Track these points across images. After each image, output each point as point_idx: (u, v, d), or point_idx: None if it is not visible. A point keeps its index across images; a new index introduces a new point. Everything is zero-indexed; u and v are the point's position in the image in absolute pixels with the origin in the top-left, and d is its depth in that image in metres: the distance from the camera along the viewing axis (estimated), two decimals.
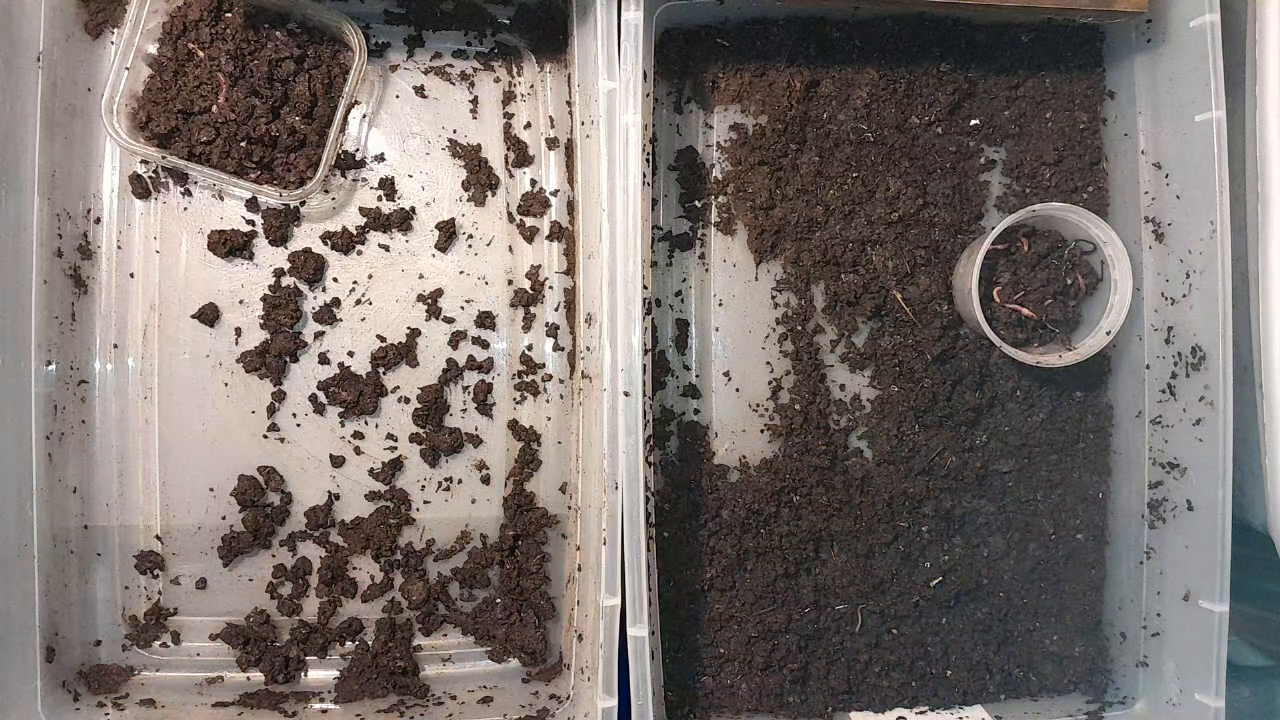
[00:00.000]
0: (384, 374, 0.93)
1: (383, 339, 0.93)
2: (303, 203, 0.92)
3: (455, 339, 0.94)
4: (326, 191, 0.93)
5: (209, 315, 0.91)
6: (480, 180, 0.95)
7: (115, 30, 0.89)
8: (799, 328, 0.94)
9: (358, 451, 0.93)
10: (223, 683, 0.91)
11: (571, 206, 0.94)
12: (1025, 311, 0.92)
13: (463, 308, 0.95)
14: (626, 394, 0.79)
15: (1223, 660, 0.83)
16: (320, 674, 0.92)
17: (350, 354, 0.93)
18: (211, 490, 0.92)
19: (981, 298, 0.89)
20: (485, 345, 0.95)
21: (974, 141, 0.97)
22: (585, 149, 0.88)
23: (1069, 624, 0.97)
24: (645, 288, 0.81)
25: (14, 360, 0.83)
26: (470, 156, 0.94)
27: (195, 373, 0.91)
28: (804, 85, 0.93)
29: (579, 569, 0.88)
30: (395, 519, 0.93)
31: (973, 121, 0.97)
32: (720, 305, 0.96)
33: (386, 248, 0.94)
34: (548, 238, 0.96)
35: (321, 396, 0.92)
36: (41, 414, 0.85)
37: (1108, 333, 0.90)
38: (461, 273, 0.95)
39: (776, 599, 0.94)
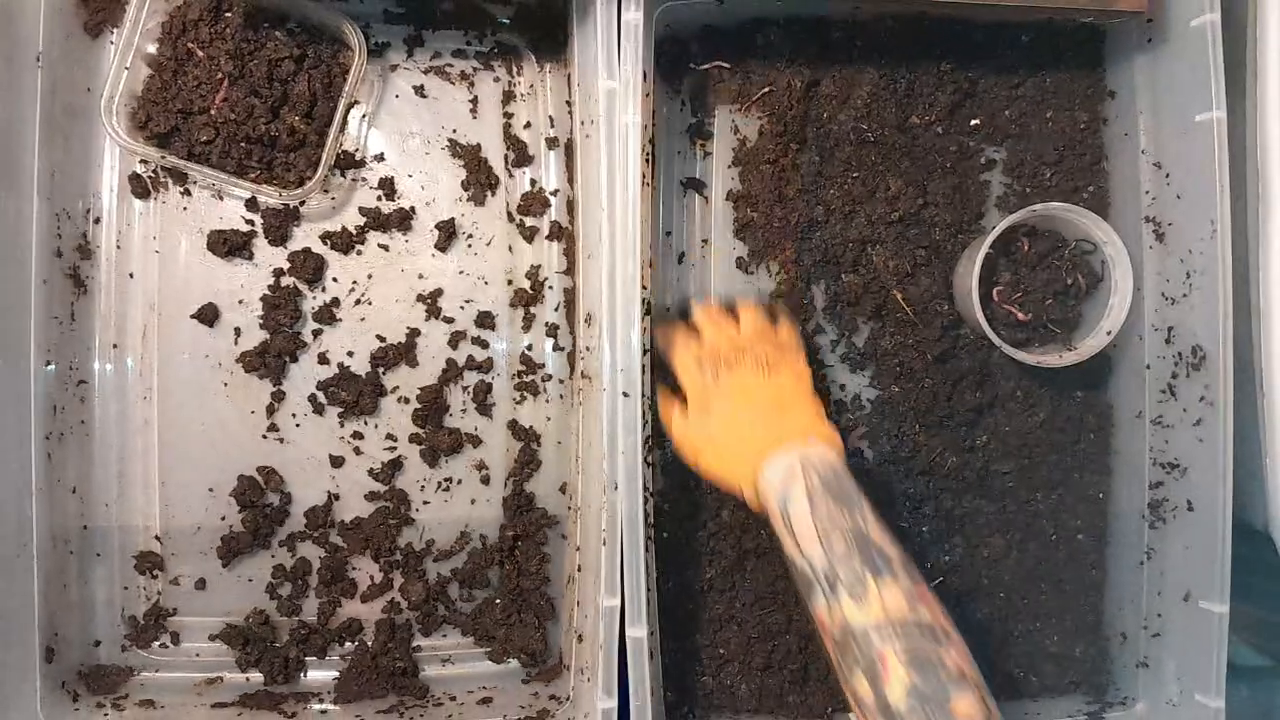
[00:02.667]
0: (383, 374, 0.93)
1: (382, 339, 0.93)
2: (302, 202, 0.92)
3: (455, 339, 0.94)
4: (326, 191, 0.93)
5: (208, 315, 0.91)
6: (480, 180, 0.94)
7: (115, 30, 0.89)
8: (799, 328, 0.94)
9: (357, 452, 0.93)
10: (222, 683, 0.91)
11: (571, 206, 0.94)
12: (1019, 315, 0.92)
13: (462, 308, 0.95)
14: (626, 395, 0.79)
15: (1223, 661, 0.83)
16: (320, 674, 0.92)
17: (350, 354, 0.93)
18: (211, 490, 0.91)
19: (982, 298, 0.89)
20: (485, 345, 0.95)
21: (974, 141, 0.97)
22: (585, 149, 0.88)
23: (1069, 624, 0.97)
24: (645, 288, 0.81)
25: (13, 360, 0.83)
26: (470, 156, 0.94)
27: (195, 373, 0.91)
28: (804, 85, 0.92)
29: (579, 569, 0.88)
30: (395, 519, 0.93)
31: (973, 121, 0.97)
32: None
33: (386, 247, 0.94)
34: (547, 238, 0.96)
35: (321, 396, 0.92)
36: (41, 414, 0.84)
37: (1108, 333, 0.90)
38: (461, 273, 0.95)
39: (776, 599, 0.93)
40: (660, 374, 0.87)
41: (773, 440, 0.75)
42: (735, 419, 0.78)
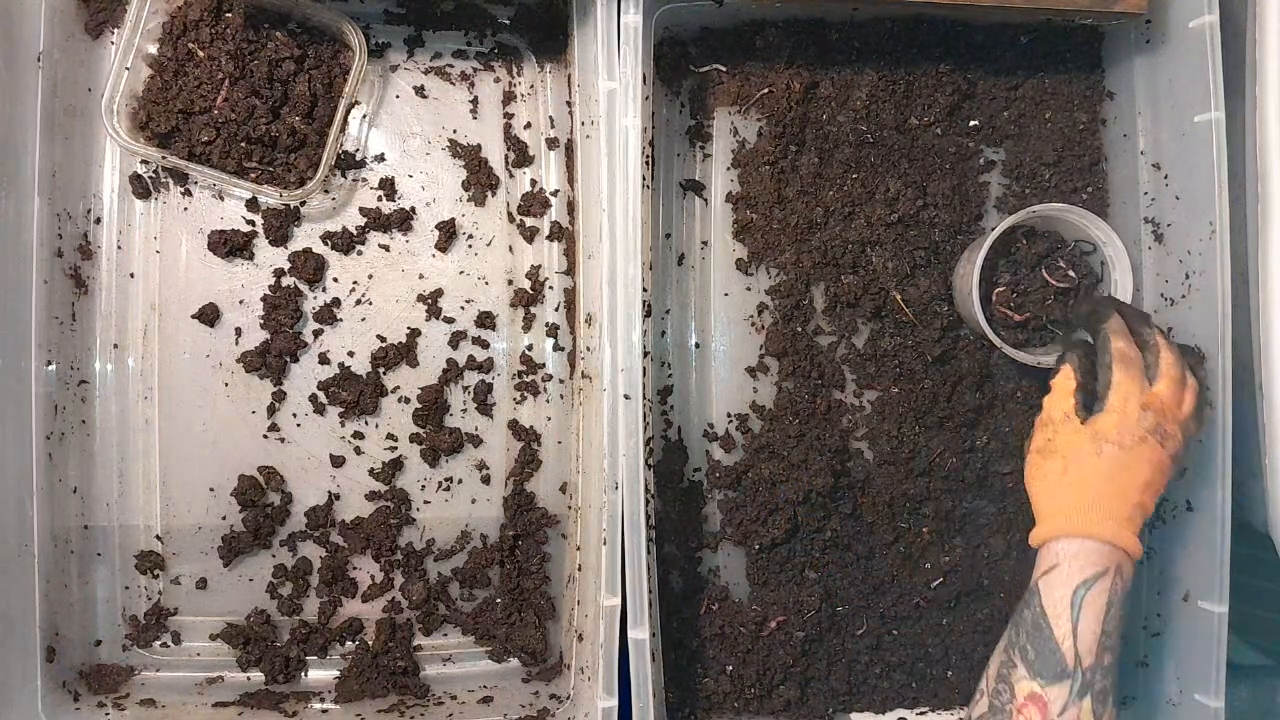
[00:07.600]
0: (384, 374, 0.93)
1: (383, 339, 0.93)
2: (303, 203, 0.92)
3: (455, 339, 0.94)
4: (326, 191, 0.93)
5: (209, 315, 0.91)
6: (480, 180, 0.95)
7: (115, 30, 0.89)
8: (799, 329, 0.94)
9: (358, 451, 0.93)
10: (223, 682, 0.91)
11: (571, 207, 0.95)
12: (1019, 316, 0.92)
13: (463, 308, 0.95)
14: (627, 397, 0.79)
15: (1222, 661, 0.83)
16: (320, 674, 0.92)
17: (350, 354, 0.93)
18: (212, 490, 0.92)
19: (981, 298, 0.89)
20: (485, 345, 0.95)
21: (973, 142, 0.97)
22: (585, 149, 0.88)
23: None
24: (645, 290, 0.81)
25: (14, 360, 0.83)
26: (470, 156, 0.95)
27: (195, 373, 0.91)
28: (803, 87, 0.93)
29: (579, 569, 0.88)
30: (395, 519, 0.93)
31: (972, 122, 0.97)
32: (719, 306, 0.96)
33: (387, 248, 0.94)
34: (548, 238, 0.96)
35: (322, 396, 0.92)
36: (42, 414, 0.85)
37: None
38: (461, 273, 0.95)
39: (779, 600, 0.93)
40: (1078, 348, 0.77)
41: (1113, 519, 0.70)
42: (1112, 476, 0.71)
